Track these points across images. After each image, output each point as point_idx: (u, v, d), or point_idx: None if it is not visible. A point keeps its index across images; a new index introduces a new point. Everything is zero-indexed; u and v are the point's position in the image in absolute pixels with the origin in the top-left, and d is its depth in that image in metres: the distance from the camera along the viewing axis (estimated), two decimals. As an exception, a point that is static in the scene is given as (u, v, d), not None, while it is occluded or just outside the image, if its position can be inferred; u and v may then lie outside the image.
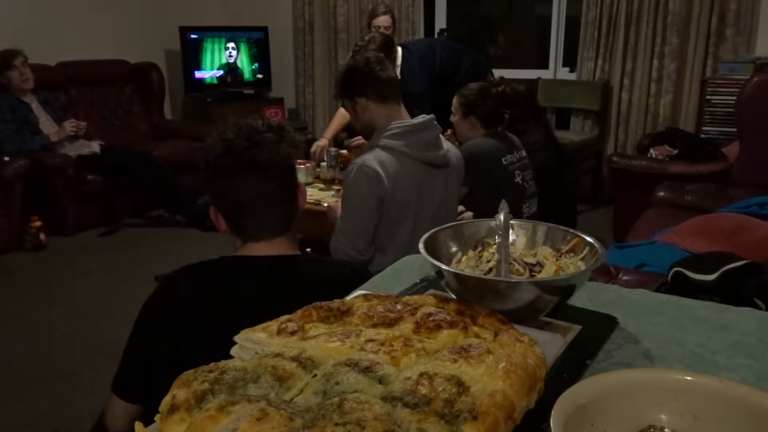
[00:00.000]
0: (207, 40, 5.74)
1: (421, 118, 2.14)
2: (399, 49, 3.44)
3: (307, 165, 3.17)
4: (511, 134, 2.93)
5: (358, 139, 3.09)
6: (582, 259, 0.81)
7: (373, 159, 2.06)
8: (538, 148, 3.24)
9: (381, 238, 2.12)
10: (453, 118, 2.86)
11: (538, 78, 5.23)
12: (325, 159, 3.17)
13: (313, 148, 3.50)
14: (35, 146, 4.32)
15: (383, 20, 4.08)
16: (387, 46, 3.30)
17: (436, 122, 2.19)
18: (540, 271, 0.80)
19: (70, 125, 4.49)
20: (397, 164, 2.06)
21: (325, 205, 2.43)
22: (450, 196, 2.26)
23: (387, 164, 2.05)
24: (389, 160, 2.06)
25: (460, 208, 2.40)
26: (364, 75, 2.13)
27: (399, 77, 3.36)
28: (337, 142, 3.74)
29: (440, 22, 5.75)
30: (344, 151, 3.29)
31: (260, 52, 6.05)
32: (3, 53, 4.32)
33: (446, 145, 2.23)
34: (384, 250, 2.12)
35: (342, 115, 3.46)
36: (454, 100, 2.85)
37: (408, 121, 2.13)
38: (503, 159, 2.76)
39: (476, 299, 0.73)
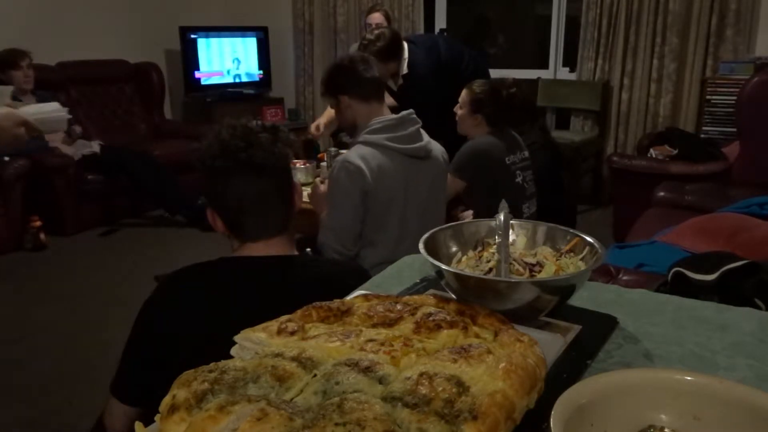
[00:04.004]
0: (207, 40, 5.74)
1: (400, 113, 2.19)
2: (405, 43, 3.46)
3: (307, 165, 3.17)
4: (515, 134, 2.92)
5: None
6: (582, 259, 0.81)
7: (354, 154, 2.09)
8: (535, 149, 3.23)
9: (370, 232, 2.14)
10: (458, 111, 2.85)
11: (538, 78, 5.23)
12: (325, 159, 3.17)
13: (312, 128, 3.51)
14: (32, 149, 4.26)
15: (376, 17, 4.10)
16: (395, 41, 3.31)
17: (415, 116, 2.23)
18: (540, 271, 0.80)
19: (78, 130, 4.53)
20: (380, 157, 2.10)
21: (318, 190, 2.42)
22: (437, 188, 2.29)
23: (369, 158, 2.08)
24: (372, 154, 2.09)
25: (460, 207, 2.40)
26: (347, 74, 2.19)
27: (406, 70, 3.39)
28: (337, 142, 3.73)
29: (440, 22, 5.75)
30: (344, 151, 3.28)
31: (260, 53, 6.05)
32: (11, 52, 4.30)
33: (427, 137, 2.27)
34: (374, 243, 2.13)
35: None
36: (463, 94, 2.84)
37: (387, 116, 2.18)
38: (506, 159, 2.76)
39: (476, 299, 0.73)
